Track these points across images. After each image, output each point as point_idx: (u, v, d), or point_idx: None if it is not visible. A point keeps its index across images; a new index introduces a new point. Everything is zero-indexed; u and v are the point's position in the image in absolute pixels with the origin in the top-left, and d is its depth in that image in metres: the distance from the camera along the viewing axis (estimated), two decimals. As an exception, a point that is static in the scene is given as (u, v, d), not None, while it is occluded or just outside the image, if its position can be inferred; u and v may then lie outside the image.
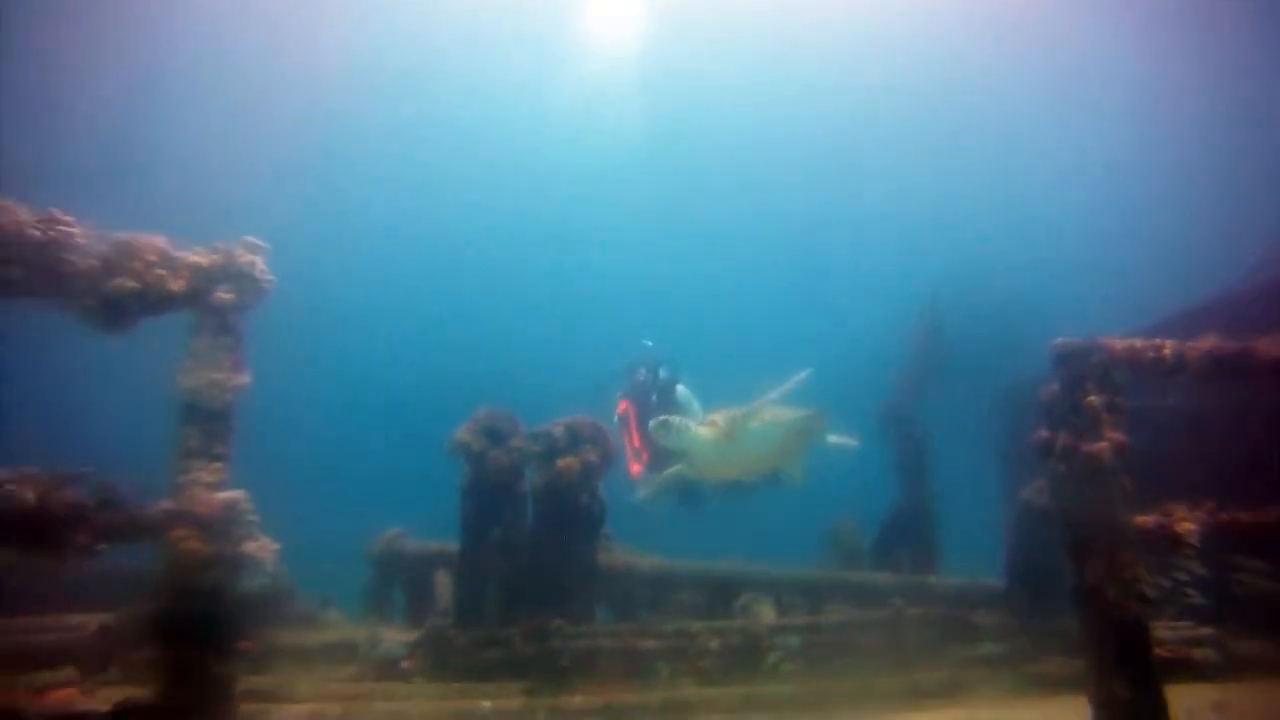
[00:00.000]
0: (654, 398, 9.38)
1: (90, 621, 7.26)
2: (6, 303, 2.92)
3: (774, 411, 7.70)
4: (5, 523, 2.75)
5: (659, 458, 8.67)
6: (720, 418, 7.59)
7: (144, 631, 6.71)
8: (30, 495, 2.74)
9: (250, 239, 3.31)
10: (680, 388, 9.62)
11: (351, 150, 30.41)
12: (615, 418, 9.18)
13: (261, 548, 3.09)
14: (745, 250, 33.45)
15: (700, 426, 7.66)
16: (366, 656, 6.90)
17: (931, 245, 27.94)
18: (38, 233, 2.78)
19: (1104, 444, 4.21)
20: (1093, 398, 4.31)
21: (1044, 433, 4.58)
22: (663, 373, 9.60)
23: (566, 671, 6.65)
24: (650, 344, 10.08)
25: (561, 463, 7.14)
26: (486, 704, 6.15)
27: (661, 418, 7.59)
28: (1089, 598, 4.19)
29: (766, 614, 7.89)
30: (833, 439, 8.98)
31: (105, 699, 4.82)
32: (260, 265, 3.26)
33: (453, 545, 8.19)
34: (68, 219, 2.90)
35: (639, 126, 29.02)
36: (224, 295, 3.11)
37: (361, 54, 26.74)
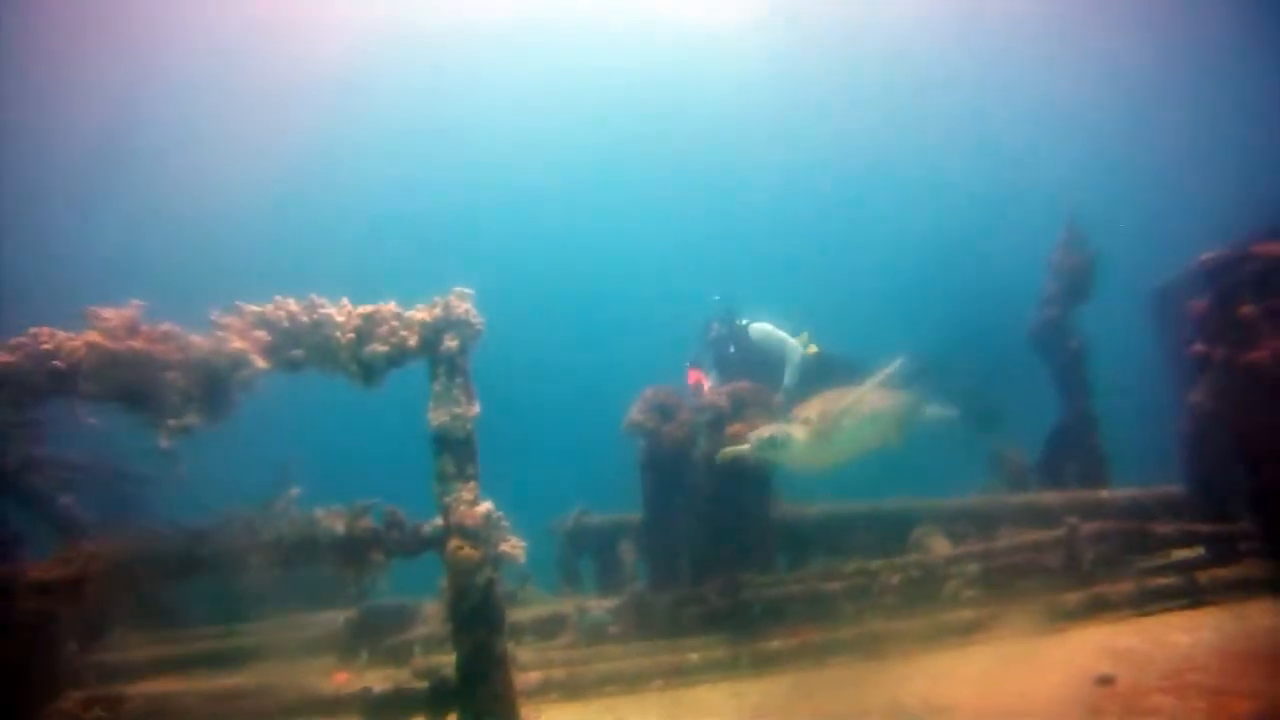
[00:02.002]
0: (732, 349, 9.31)
1: (336, 618, 8.40)
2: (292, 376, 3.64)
3: (870, 402, 7.61)
4: (323, 548, 3.53)
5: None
6: (814, 413, 7.42)
7: (379, 624, 7.81)
8: (340, 526, 3.50)
9: (460, 289, 3.89)
10: (759, 326, 9.47)
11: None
12: (688, 390, 8.95)
13: (513, 547, 3.74)
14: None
15: (795, 428, 7.37)
16: (577, 625, 7.54)
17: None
18: (306, 319, 3.46)
19: (1264, 351, 4.27)
20: (1247, 308, 4.36)
21: (1200, 346, 4.67)
22: (739, 321, 9.49)
23: (759, 619, 7.11)
24: (717, 298, 9.88)
25: (731, 429, 7.57)
26: (694, 656, 6.71)
27: (765, 435, 7.19)
28: (1267, 501, 4.30)
29: (940, 545, 8.04)
30: (931, 411, 8.90)
31: (374, 680, 5.56)
32: (473, 311, 3.85)
33: (633, 516, 8.80)
34: (324, 301, 3.57)
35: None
36: (450, 343, 3.73)
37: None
